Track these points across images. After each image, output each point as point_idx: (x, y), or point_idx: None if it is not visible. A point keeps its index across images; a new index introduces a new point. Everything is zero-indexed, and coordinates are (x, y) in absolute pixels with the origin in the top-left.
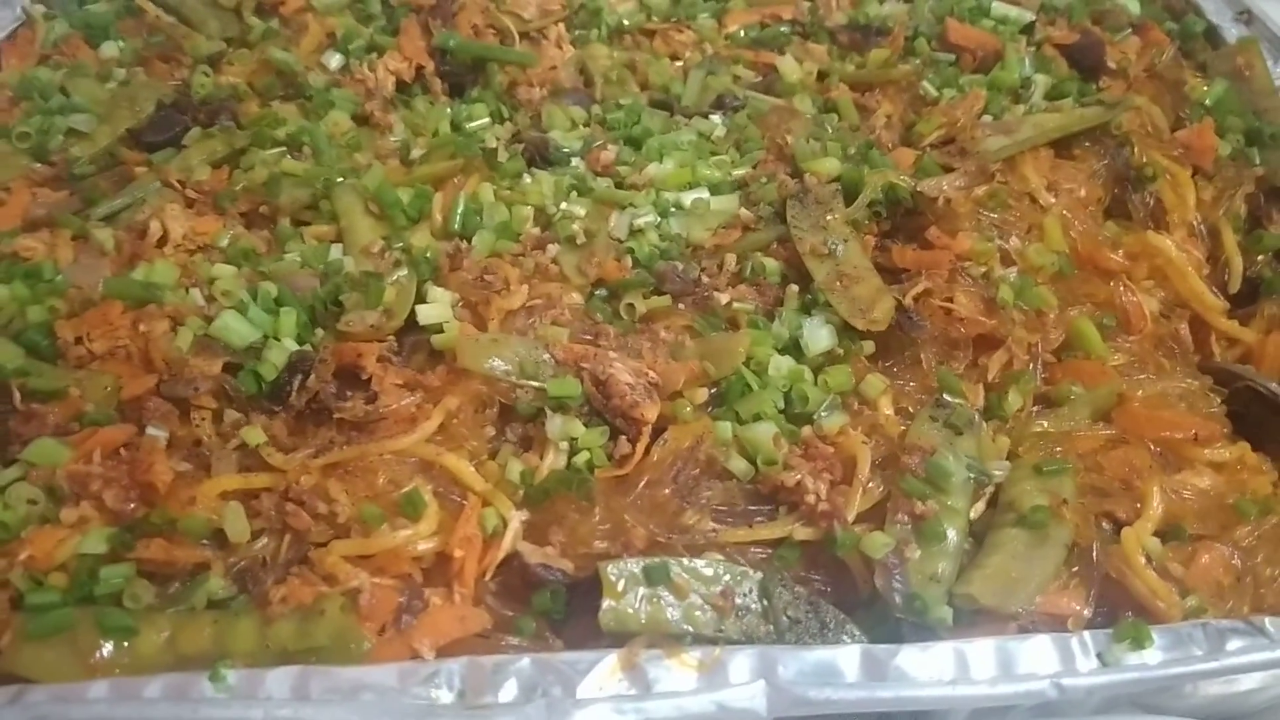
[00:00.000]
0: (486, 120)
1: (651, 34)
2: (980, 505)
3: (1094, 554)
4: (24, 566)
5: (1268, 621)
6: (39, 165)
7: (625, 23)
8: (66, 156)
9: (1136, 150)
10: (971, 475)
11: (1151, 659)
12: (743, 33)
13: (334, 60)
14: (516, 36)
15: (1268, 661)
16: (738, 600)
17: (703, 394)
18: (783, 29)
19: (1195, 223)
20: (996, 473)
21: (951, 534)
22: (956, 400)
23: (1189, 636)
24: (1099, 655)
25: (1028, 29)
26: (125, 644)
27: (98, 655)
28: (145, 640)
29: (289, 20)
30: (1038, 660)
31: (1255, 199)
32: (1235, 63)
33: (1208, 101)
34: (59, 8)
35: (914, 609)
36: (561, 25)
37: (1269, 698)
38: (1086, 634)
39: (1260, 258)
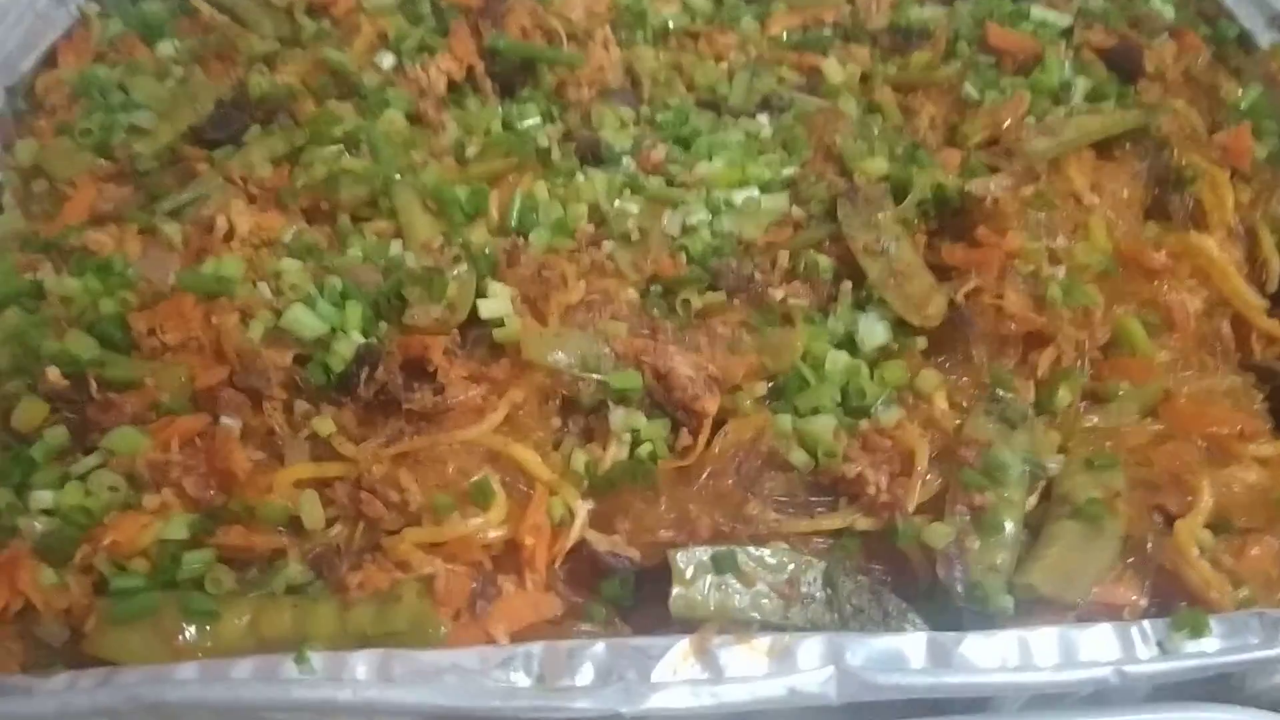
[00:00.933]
0: (537, 120)
1: (695, 36)
2: (1033, 499)
3: (1148, 546)
4: (107, 552)
5: None
6: (103, 161)
7: (670, 25)
8: (130, 153)
9: (1176, 152)
10: (1027, 468)
11: (1210, 647)
12: (785, 35)
13: (387, 60)
14: (564, 38)
15: None
16: (803, 589)
17: (761, 388)
18: (825, 32)
19: (1233, 224)
20: (1051, 466)
21: (1009, 525)
22: (1010, 395)
23: (1245, 625)
24: (1159, 643)
25: (1066, 33)
26: (208, 627)
27: (181, 638)
28: (227, 624)
29: (340, 21)
30: (1100, 648)
31: None
32: (1269, 68)
33: (1242, 105)
34: (113, 7)
35: (976, 598)
36: (608, 27)
37: None
38: (1145, 623)
39: None
